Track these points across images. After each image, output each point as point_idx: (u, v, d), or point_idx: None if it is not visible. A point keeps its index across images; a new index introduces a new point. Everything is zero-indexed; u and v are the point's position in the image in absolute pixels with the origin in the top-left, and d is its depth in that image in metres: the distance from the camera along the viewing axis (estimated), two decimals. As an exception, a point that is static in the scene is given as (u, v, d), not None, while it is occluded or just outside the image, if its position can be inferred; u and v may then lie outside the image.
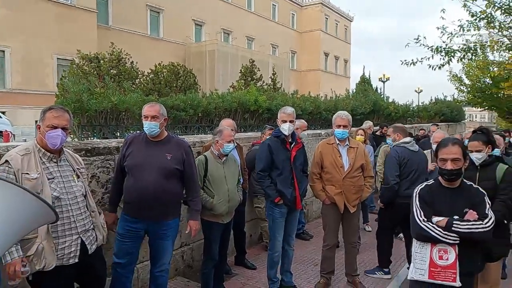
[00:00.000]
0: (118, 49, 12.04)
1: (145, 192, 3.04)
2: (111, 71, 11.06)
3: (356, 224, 4.27)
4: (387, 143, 5.28)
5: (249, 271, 4.64)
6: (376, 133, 8.19)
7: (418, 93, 33.02)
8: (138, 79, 12.07)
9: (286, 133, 3.84)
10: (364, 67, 47.68)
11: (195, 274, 4.29)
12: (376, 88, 27.42)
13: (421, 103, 20.62)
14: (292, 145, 3.91)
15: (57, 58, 20.98)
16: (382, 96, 19.06)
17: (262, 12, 37.62)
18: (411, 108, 17.66)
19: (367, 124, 8.28)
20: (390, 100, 17.20)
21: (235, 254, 4.87)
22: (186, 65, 18.15)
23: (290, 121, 3.83)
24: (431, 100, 20.59)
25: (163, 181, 3.08)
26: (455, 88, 18.38)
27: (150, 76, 12.40)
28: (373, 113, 14.61)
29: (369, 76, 28.59)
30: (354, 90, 20.21)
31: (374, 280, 4.56)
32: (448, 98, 20.34)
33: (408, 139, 4.63)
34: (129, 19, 25.61)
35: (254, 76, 15.25)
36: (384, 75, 27.65)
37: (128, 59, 12.23)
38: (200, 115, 8.99)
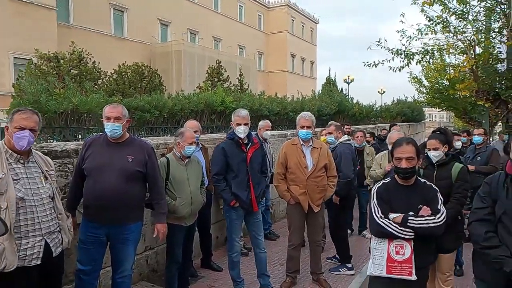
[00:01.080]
0: (79, 48, 11.65)
1: (105, 195, 2.97)
2: (72, 71, 10.71)
3: (320, 223, 4.34)
4: (328, 141, 5.40)
5: (215, 273, 4.62)
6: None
7: (381, 94, 34.07)
8: (101, 80, 11.77)
9: (242, 136, 3.87)
10: (330, 68, 48.67)
11: (160, 278, 4.21)
12: (342, 89, 28.10)
13: (384, 103, 21.34)
14: (248, 147, 3.92)
15: (14, 57, 20.02)
16: (347, 97, 19.50)
17: (229, 13, 37.56)
18: (374, 109, 18.19)
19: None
20: (355, 101, 17.62)
21: (201, 256, 4.83)
22: (151, 66, 17.81)
23: (245, 124, 3.85)
24: (393, 101, 21.33)
25: (124, 184, 3.01)
26: (415, 90, 19.13)
27: (114, 77, 12.13)
28: (339, 113, 14.92)
29: (335, 77, 29.20)
30: (320, 91, 20.58)
31: (339, 277, 4.66)
32: (409, 99, 21.14)
33: (347, 136, 5.12)
34: (91, 17, 24.83)
35: (221, 77, 15.24)
36: (348, 76, 28.34)
37: (90, 58, 11.87)
38: (165, 116, 8.85)
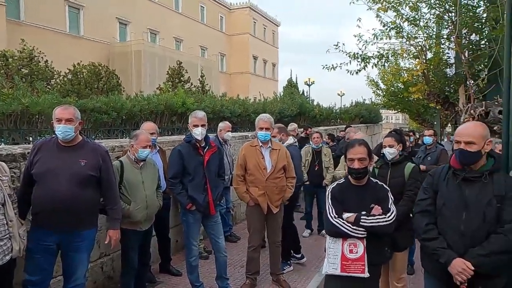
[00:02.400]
0: (30, 46, 11.07)
1: (56, 201, 2.84)
2: (22, 70, 10.16)
3: (279, 224, 4.37)
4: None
5: (174, 278, 4.53)
6: (301, 135, 8.52)
7: (341, 96, 35.01)
8: (54, 80, 11.25)
9: (199, 138, 3.82)
10: (291, 70, 49.52)
11: (117, 286, 4.08)
12: (303, 91, 28.62)
13: (343, 105, 21.95)
14: (205, 150, 3.89)
15: (-42, 55, 18.69)
16: (307, 99, 19.86)
17: (190, 14, 37.15)
18: (334, 111, 18.66)
19: (292, 126, 8.59)
20: (315, 103, 17.98)
21: (159, 261, 4.73)
22: (110, 66, 17.25)
23: (202, 125, 3.81)
24: (352, 103, 21.99)
25: (76, 189, 2.89)
26: (373, 92, 19.83)
27: (68, 77, 11.63)
28: (300, 115, 15.16)
29: (296, 79, 29.70)
30: (282, 93, 20.85)
31: (298, 277, 4.73)
32: (367, 101, 21.89)
33: (292, 139, 5.23)
34: (44, 14, 23.64)
35: (182, 78, 15.03)
36: (309, 78, 28.90)
37: (42, 57, 11.31)
38: (124, 118, 8.63)
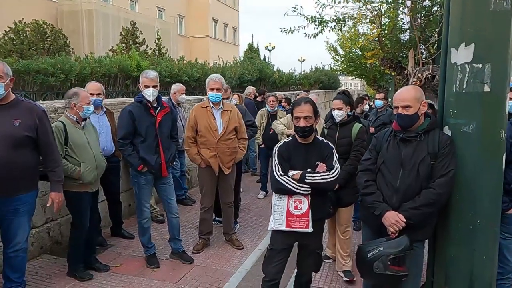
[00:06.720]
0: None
1: None
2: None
3: (231, 185, 4.38)
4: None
5: (126, 241, 4.48)
6: (257, 99, 8.50)
7: (301, 62, 35.09)
8: (-8, 38, 10.37)
9: (150, 99, 3.67)
10: (252, 35, 48.61)
11: (64, 251, 3.95)
12: (264, 56, 28.30)
13: (303, 71, 22.06)
14: (157, 110, 3.76)
15: None
16: (268, 64, 19.73)
17: (146, -29, 34.98)
18: (294, 76, 18.73)
19: (249, 90, 8.58)
20: (275, 69, 17.93)
21: (111, 225, 4.65)
22: (59, 26, 16.08)
23: (154, 87, 3.66)
24: (312, 69, 22.13)
25: (10, 151, 2.72)
26: (331, 58, 19.98)
27: (10, 35, 10.72)
28: (260, 80, 15.09)
29: (257, 44, 29.25)
30: (242, 58, 20.56)
31: (251, 235, 4.84)
32: (326, 67, 22.09)
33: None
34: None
35: (136, 40, 14.33)
36: (270, 43, 28.59)
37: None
38: (73, 81, 8.18)
